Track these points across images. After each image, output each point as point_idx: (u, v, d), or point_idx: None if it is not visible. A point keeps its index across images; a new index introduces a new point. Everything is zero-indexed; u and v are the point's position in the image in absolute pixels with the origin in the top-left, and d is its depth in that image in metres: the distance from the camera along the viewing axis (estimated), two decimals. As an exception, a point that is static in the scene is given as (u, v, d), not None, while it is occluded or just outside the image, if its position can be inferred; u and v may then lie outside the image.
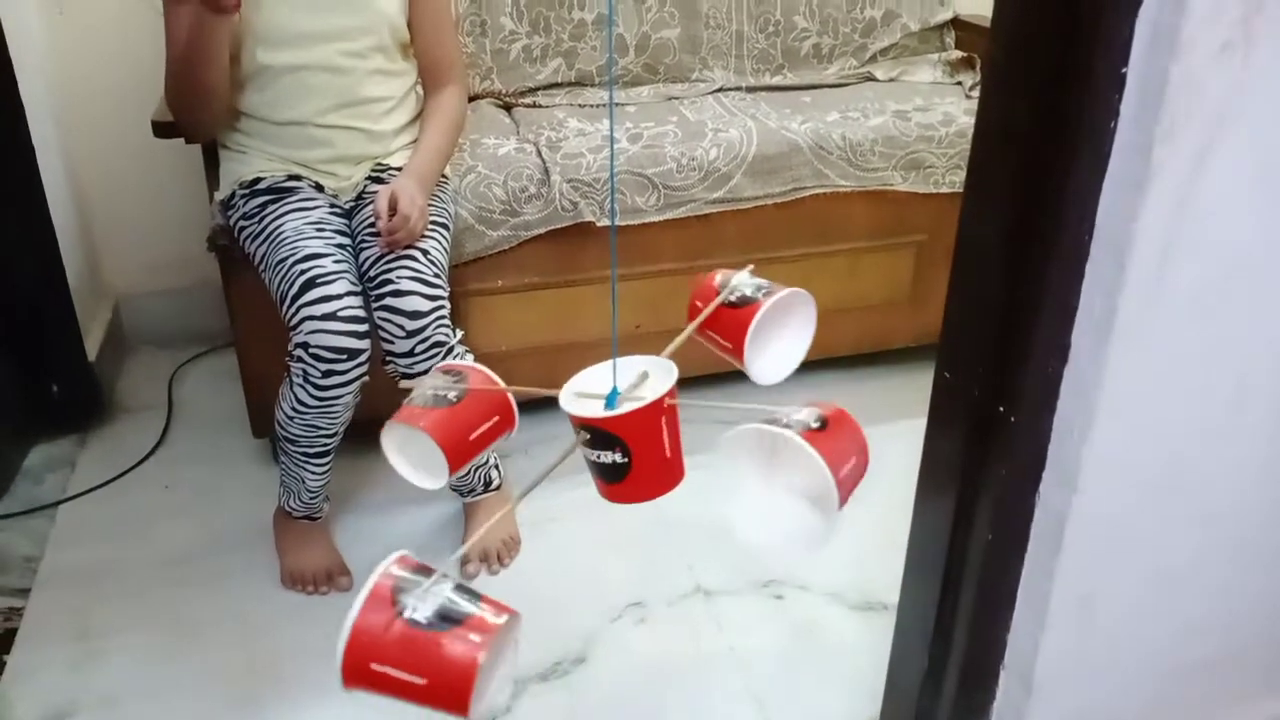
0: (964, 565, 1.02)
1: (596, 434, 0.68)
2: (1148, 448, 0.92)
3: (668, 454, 0.70)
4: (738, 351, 0.77)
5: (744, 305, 0.77)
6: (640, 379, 0.72)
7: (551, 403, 0.71)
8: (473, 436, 0.73)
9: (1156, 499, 0.95)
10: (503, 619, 0.58)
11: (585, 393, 0.71)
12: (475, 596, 0.59)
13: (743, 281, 0.80)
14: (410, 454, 0.74)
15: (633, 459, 0.68)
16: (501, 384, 0.77)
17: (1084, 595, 0.98)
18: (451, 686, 0.55)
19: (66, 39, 2.02)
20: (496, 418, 0.75)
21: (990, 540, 0.99)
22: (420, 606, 0.57)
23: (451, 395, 0.73)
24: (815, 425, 0.67)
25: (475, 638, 0.56)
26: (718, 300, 0.79)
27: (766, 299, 0.77)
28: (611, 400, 0.70)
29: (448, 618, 0.57)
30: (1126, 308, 0.82)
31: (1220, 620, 1.07)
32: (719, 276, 0.82)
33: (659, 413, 0.68)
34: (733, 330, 0.78)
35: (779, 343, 0.78)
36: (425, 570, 0.60)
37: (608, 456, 0.69)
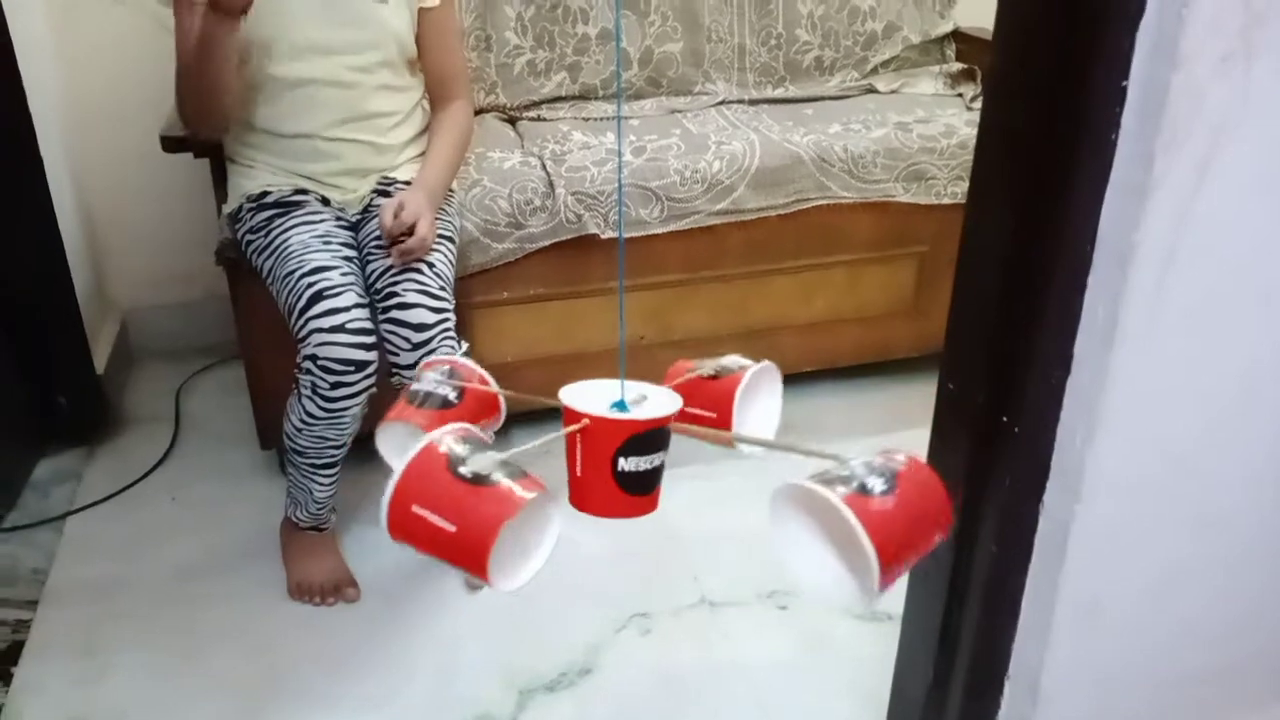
0: (969, 575, 1.03)
1: (645, 440, 0.68)
2: (1151, 456, 0.92)
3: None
4: (725, 418, 0.78)
5: (723, 377, 0.78)
6: (640, 399, 0.72)
7: (556, 416, 0.72)
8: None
9: (1160, 507, 0.96)
10: (533, 494, 0.60)
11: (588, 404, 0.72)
12: (521, 473, 0.62)
13: (712, 362, 0.82)
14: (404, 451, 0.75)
15: (660, 468, 0.69)
16: (493, 383, 0.78)
17: (1088, 604, 0.98)
18: (475, 540, 0.58)
19: (75, 54, 2.04)
20: (494, 416, 0.77)
21: (994, 550, 0.99)
22: (467, 464, 0.60)
23: (451, 395, 0.75)
24: (880, 487, 0.57)
25: (508, 500, 0.59)
26: (687, 375, 0.80)
27: (743, 371, 0.79)
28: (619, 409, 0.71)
29: (487, 480, 0.60)
30: (1129, 317, 0.83)
31: (1225, 626, 1.07)
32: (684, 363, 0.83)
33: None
34: (718, 399, 0.78)
35: (753, 411, 0.79)
36: (479, 440, 0.64)
37: (644, 463, 0.68)
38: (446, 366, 0.79)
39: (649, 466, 0.68)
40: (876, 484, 0.57)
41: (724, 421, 0.77)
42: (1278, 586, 1.06)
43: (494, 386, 0.79)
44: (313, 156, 1.59)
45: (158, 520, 1.77)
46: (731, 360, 0.79)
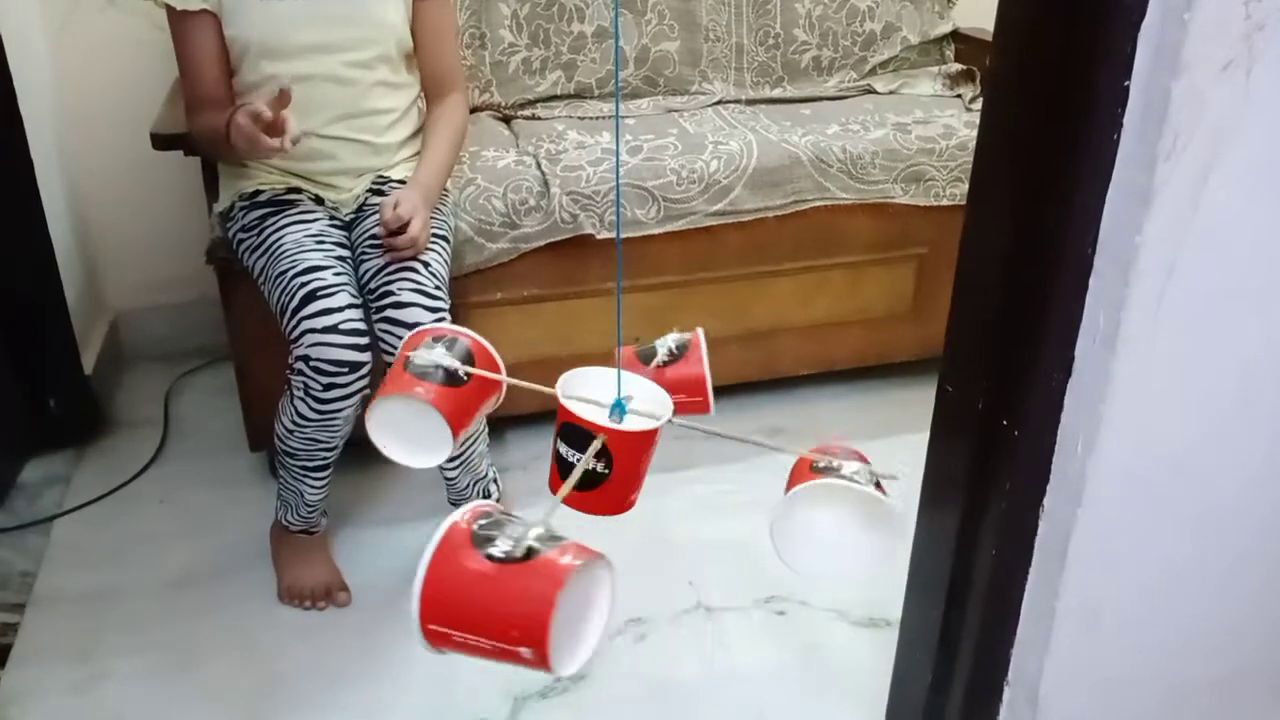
0: (968, 580, 1.02)
1: (579, 435, 0.67)
2: (1152, 461, 0.91)
3: (642, 476, 0.69)
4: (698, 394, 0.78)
5: (677, 358, 0.80)
6: (627, 398, 0.71)
7: (552, 419, 0.71)
8: (471, 417, 0.73)
9: (1160, 511, 0.95)
10: (580, 560, 0.55)
11: (582, 395, 0.71)
12: (558, 539, 0.58)
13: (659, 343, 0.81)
14: (401, 431, 0.71)
15: (613, 473, 0.67)
16: (496, 357, 0.78)
17: (1089, 609, 0.97)
18: (530, 618, 0.53)
19: (67, 54, 2.02)
20: (496, 394, 0.75)
21: (994, 555, 0.98)
22: (500, 543, 0.56)
23: (460, 372, 0.73)
24: (878, 483, 0.72)
25: (556, 570, 0.54)
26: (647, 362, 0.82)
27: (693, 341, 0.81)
28: (619, 410, 0.70)
29: (528, 554, 0.56)
30: (1130, 321, 0.82)
31: (1226, 632, 1.06)
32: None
33: (651, 441, 0.68)
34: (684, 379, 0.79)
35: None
36: (505, 515, 0.60)
37: (589, 462, 0.68)
38: (449, 337, 0.76)
39: (574, 461, 0.68)
40: (879, 475, 0.73)
41: (702, 403, 0.78)
42: (1278, 591, 1.06)
43: (498, 361, 0.77)
44: (308, 155, 1.57)
45: (147, 523, 1.75)
46: (673, 338, 0.81)
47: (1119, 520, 0.93)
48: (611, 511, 0.71)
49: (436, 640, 0.56)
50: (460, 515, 0.58)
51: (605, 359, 0.75)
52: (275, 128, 1.35)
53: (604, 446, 0.68)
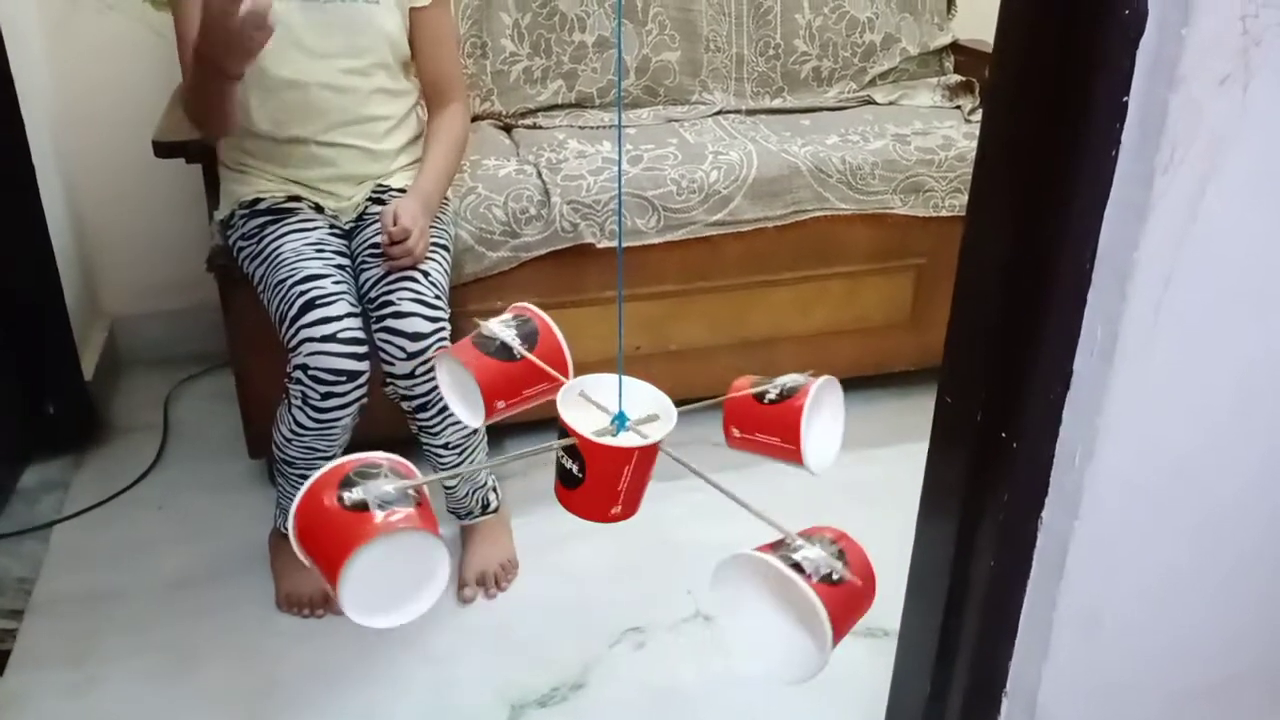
0: (966, 591, 1.02)
1: (564, 436, 0.70)
2: (1150, 471, 0.92)
3: (620, 491, 0.70)
4: (794, 442, 0.76)
5: (785, 399, 0.76)
6: (647, 418, 0.72)
7: (548, 428, 0.71)
8: (517, 397, 0.75)
9: (1159, 521, 0.95)
10: (405, 525, 0.59)
11: (590, 397, 0.72)
12: (414, 501, 0.61)
13: (776, 381, 0.79)
14: (461, 386, 0.76)
15: (586, 478, 0.70)
16: (564, 345, 0.78)
17: (1087, 620, 0.97)
18: (332, 567, 0.58)
19: (68, 59, 2.03)
20: (545, 385, 0.76)
21: (993, 566, 0.98)
22: (354, 491, 0.60)
23: (516, 350, 0.75)
24: (834, 577, 0.62)
25: (365, 530, 0.58)
26: (748, 390, 0.78)
27: (805, 391, 0.76)
28: (619, 423, 0.70)
29: (363, 508, 0.60)
30: (1128, 334, 0.82)
31: (1224, 639, 1.06)
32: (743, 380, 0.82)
33: (625, 459, 0.68)
34: (784, 424, 0.77)
35: (817, 429, 0.77)
36: (398, 469, 0.63)
37: (567, 462, 0.70)
38: (524, 316, 0.79)
39: (565, 463, 0.70)
40: (831, 572, 0.62)
41: (792, 449, 0.76)
42: (1276, 597, 1.06)
43: (565, 350, 0.78)
44: (306, 162, 1.58)
45: (145, 529, 1.75)
46: (792, 379, 0.77)
47: (1117, 531, 0.93)
48: (593, 518, 0.72)
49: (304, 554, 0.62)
50: (350, 459, 0.63)
51: (604, 366, 0.75)
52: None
53: (576, 448, 0.69)
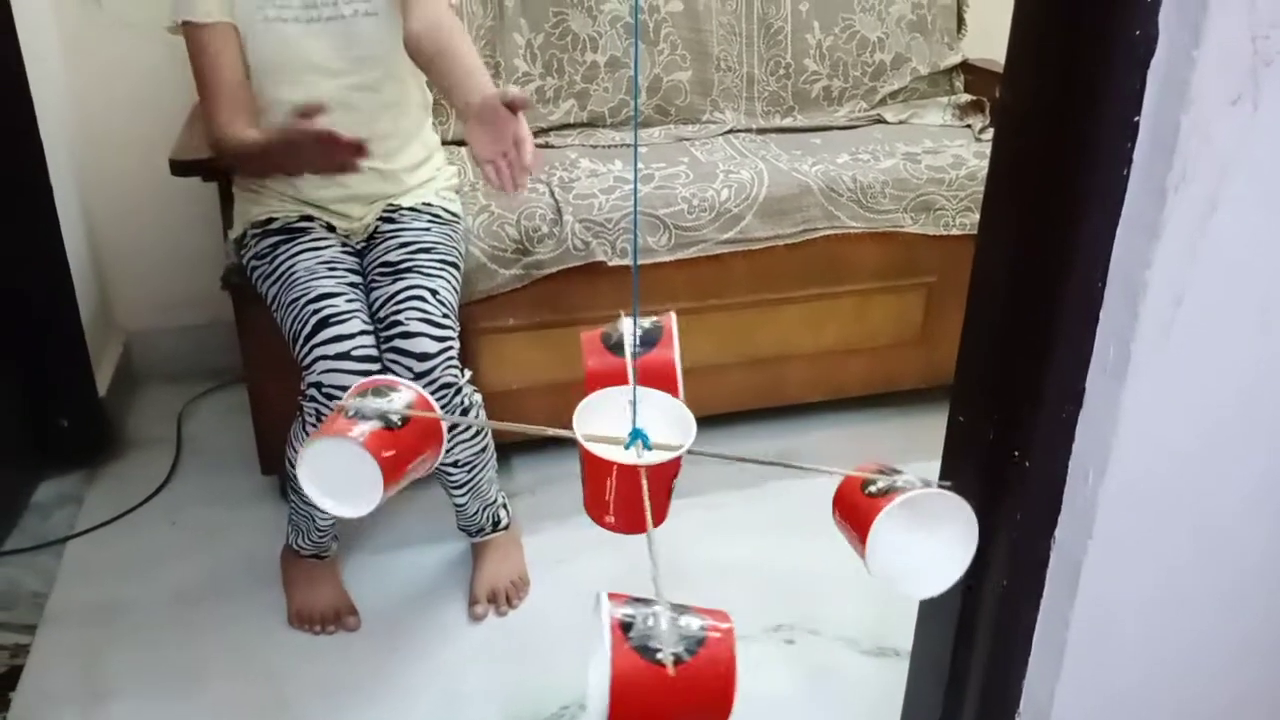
0: (978, 611, 1.01)
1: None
2: (1161, 489, 0.91)
3: (609, 502, 0.70)
4: (863, 539, 0.71)
5: (882, 495, 0.71)
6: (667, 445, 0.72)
7: (558, 443, 0.71)
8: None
9: (1173, 543, 0.95)
10: (344, 435, 0.68)
11: (607, 403, 0.73)
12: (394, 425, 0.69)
13: (894, 476, 0.73)
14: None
15: (585, 478, 0.72)
16: (436, 409, 0.75)
17: (1100, 640, 0.96)
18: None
19: (84, 77, 2.05)
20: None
21: (1005, 585, 0.98)
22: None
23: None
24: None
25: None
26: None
27: (897, 494, 0.71)
28: (634, 437, 0.71)
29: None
30: (1140, 352, 0.82)
31: (1236, 653, 1.06)
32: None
33: (608, 470, 0.69)
34: (859, 520, 0.73)
35: (908, 542, 0.72)
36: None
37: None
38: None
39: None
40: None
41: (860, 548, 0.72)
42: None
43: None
44: (319, 182, 1.59)
45: (158, 544, 1.76)
46: (905, 480, 0.72)
47: (1130, 549, 0.93)
48: (593, 519, 0.73)
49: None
50: (378, 379, 0.71)
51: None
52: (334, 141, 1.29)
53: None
